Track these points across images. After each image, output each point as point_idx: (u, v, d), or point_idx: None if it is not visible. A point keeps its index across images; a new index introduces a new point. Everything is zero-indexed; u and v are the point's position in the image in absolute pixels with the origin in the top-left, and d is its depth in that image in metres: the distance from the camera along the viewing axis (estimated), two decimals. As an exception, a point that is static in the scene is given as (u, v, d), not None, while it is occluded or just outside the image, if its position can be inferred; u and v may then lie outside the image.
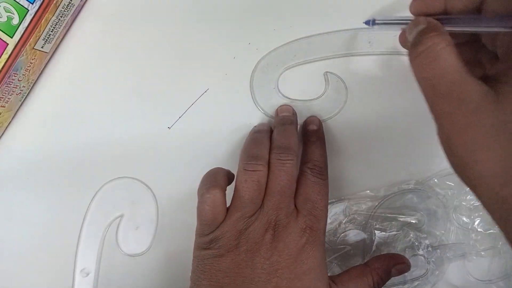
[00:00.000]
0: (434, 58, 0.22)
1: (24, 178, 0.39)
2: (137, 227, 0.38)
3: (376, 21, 0.31)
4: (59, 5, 0.34)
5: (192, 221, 0.37)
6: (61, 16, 0.35)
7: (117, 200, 0.38)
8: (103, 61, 0.38)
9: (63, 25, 0.36)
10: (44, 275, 0.39)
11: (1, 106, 0.36)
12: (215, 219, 0.30)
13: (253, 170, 0.30)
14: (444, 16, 0.26)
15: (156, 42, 0.37)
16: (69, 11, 0.36)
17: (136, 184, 0.38)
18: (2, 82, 0.34)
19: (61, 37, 0.37)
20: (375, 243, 0.37)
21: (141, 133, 0.38)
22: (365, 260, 0.37)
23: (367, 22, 0.32)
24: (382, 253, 0.37)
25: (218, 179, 0.31)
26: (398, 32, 0.30)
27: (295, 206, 0.30)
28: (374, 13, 0.35)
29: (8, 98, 0.36)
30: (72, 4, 0.36)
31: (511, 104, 0.21)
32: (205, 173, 0.32)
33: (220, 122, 0.37)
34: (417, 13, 0.27)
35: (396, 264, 0.32)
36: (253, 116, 0.37)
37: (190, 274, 0.31)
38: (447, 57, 0.22)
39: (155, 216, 0.38)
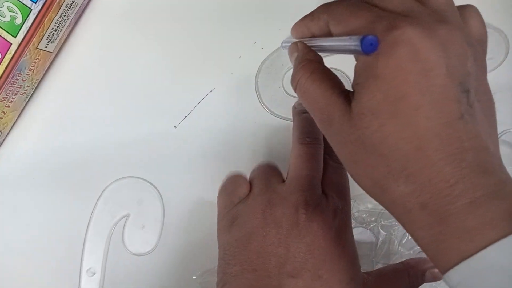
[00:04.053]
0: (303, 91, 0.24)
1: (30, 177, 0.39)
2: (143, 227, 0.38)
3: (283, 44, 0.32)
4: (62, 4, 0.34)
5: (198, 220, 0.37)
6: (64, 16, 0.35)
7: (123, 199, 0.38)
8: (108, 61, 0.37)
9: (67, 24, 0.36)
10: (51, 275, 0.39)
11: (6, 106, 0.36)
12: (236, 188, 0.31)
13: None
14: (311, 38, 0.27)
15: (161, 41, 0.37)
16: (72, 10, 0.35)
17: (141, 183, 0.38)
18: (6, 82, 0.34)
19: (65, 37, 0.37)
20: (380, 240, 0.37)
21: (147, 132, 0.38)
22: (371, 258, 0.37)
23: (282, 43, 0.33)
24: (387, 250, 0.37)
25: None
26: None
27: (322, 191, 0.30)
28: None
29: (12, 98, 0.36)
30: (75, 3, 0.35)
31: (360, 120, 0.21)
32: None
33: (226, 121, 0.37)
34: (295, 37, 0.28)
35: (432, 268, 0.31)
36: (258, 115, 0.37)
37: (216, 268, 0.30)
38: (311, 87, 0.24)
39: (161, 215, 0.38)
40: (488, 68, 0.35)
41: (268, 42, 0.36)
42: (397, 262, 0.36)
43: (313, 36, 0.27)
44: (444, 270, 0.20)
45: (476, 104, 0.21)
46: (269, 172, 0.32)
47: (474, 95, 0.21)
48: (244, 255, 0.28)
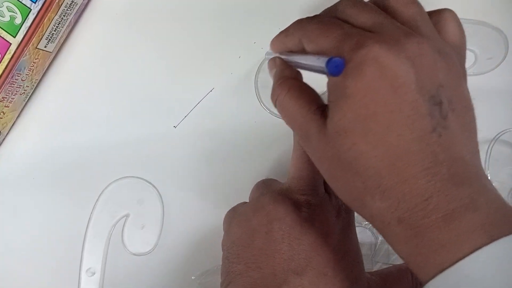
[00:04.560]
0: (282, 108, 0.25)
1: (30, 177, 0.39)
2: (142, 227, 0.38)
3: (266, 55, 0.32)
4: (61, 4, 0.34)
5: (197, 220, 0.37)
6: (64, 15, 0.35)
7: (123, 199, 0.38)
8: (108, 61, 0.37)
9: (66, 24, 0.36)
10: (50, 275, 0.39)
11: (5, 106, 0.36)
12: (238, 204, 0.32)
13: None
14: (288, 54, 0.27)
15: (161, 41, 0.37)
16: (72, 10, 0.35)
17: (141, 183, 0.38)
18: (6, 82, 0.34)
19: (64, 37, 0.37)
20: (380, 239, 0.37)
21: (147, 132, 0.38)
22: (370, 257, 0.37)
23: (265, 54, 0.33)
24: (387, 250, 0.37)
25: None
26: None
27: (326, 190, 0.30)
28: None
29: (12, 98, 0.36)
30: (75, 3, 0.35)
31: (334, 139, 0.21)
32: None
33: (225, 121, 0.37)
34: (274, 52, 0.28)
35: None
36: (258, 115, 0.37)
37: (216, 268, 0.30)
38: (289, 105, 0.24)
39: (160, 215, 0.38)
40: (487, 68, 0.36)
41: (268, 42, 0.35)
42: (396, 261, 0.36)
43: (291, 51, 0.27)
44: (423, 282, 0.20)
45: (450, 115, 0.21)
46: (267, 180, 0.32)
47: (448, 106, 0.21)
48: (247, 252, 0.27)
